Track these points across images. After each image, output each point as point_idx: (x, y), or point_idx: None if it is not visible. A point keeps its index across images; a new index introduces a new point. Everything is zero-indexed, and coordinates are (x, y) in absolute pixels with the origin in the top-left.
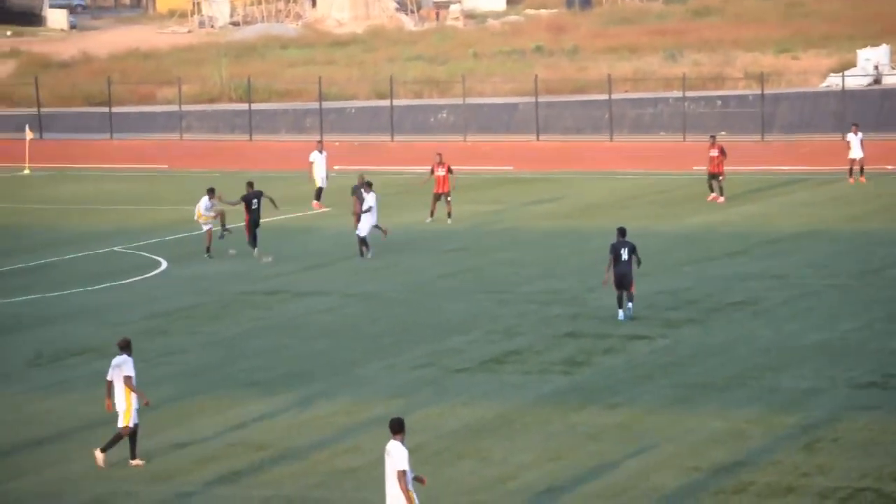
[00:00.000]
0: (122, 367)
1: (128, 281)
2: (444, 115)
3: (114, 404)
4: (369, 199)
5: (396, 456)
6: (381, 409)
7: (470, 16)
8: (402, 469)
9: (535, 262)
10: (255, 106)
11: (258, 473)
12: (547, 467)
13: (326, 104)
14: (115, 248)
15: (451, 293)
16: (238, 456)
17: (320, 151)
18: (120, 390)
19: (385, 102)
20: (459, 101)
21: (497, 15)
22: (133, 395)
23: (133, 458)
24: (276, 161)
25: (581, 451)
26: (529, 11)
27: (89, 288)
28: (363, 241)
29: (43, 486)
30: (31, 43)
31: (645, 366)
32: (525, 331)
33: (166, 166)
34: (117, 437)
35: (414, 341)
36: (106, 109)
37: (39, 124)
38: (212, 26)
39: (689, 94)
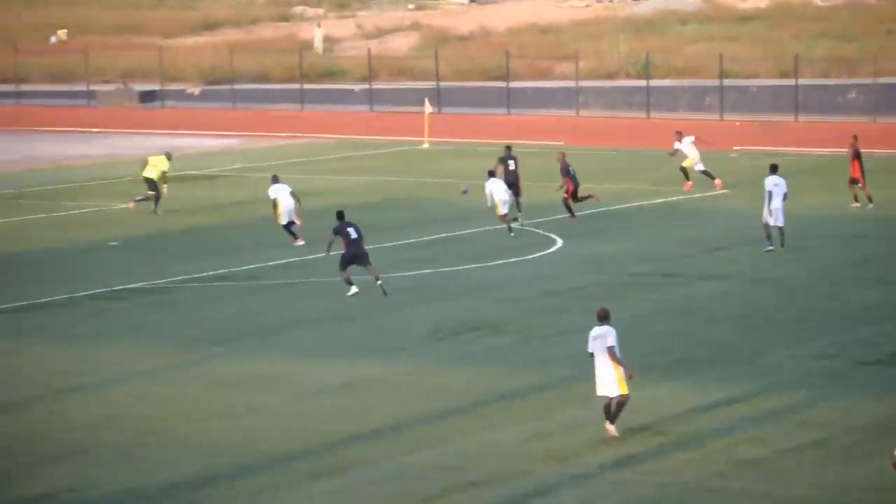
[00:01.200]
0: (604, 338)
1: (523, 258)
2: (853, 95)
3: (601, 376)
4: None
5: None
6: (783, 399)
7: None
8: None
9: None
10: (652, 83)
11: (654, 459)
12: None
13: (727, 82)
14: (513, 225)
15: (861, 282)
16: (634, 440)
17: (680, 140)
18: (603, 361)
19: (789, 81)
20: (870, 80)
21: None
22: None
23: (612, 422)
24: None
25: None
26: None
27: (486, 263)
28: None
29: (442, 460)
30: (432, 17)
31: None
32: None
33: (562, 143)
34: (620, 405)
35: (819, 330)
36: (503, 84)
37: (438, 98)
38: (610, 0)
39: None
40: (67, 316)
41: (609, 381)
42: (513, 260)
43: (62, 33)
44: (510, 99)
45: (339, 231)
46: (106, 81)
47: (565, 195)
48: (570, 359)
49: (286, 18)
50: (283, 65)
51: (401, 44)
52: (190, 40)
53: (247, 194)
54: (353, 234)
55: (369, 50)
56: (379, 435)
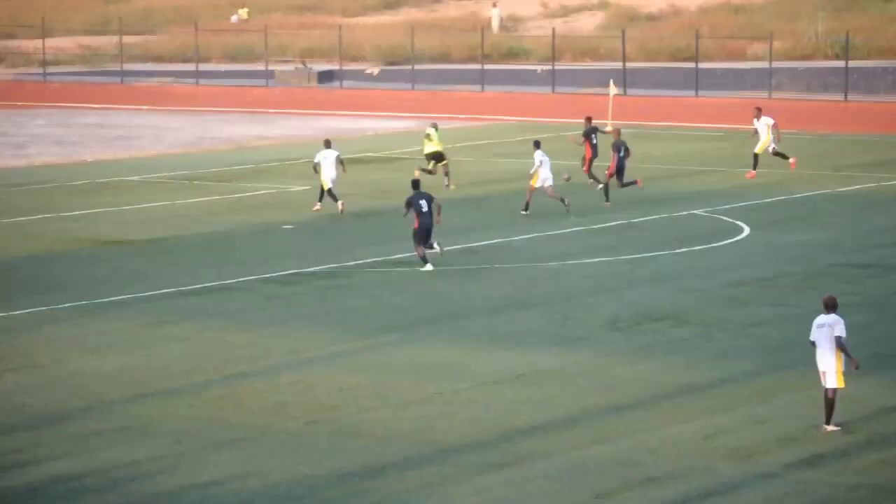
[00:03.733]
0: (832, 327)
1: (707, 246)
2: None
3: (822, 367)
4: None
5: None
6: None
7: None
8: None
9: None
10: (851, 63)
11: (844, 459)
12: None
13: None
14: (696, 212)
15: None
16: (822, 438)
17: (758, 118)
18: (824, 351)
19: None
20: None
21: None
22: (842, 357)
23: (827, 423)
24: (873, 123)
25: None
26: None
27: (669, 251)
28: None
29: (619, 454)
30: None
31: None
32: None
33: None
34: (830, 403)
35: None
36: (692, 65)
37: (623, 79)
38: None
39: None
40: (241, 300)
41: (829, 372)
42: (696, 248)
43: (243, 12)
44: (699, 80)
45: (412, 203)
46: (285, 61)
47: (605, 172)
48: (754, 352)
49: None
50: (464, 44)
51: (586, 23)
52: (371, 19)
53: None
54: (424, 207)
55: (553, 29)
56: (554, 427)
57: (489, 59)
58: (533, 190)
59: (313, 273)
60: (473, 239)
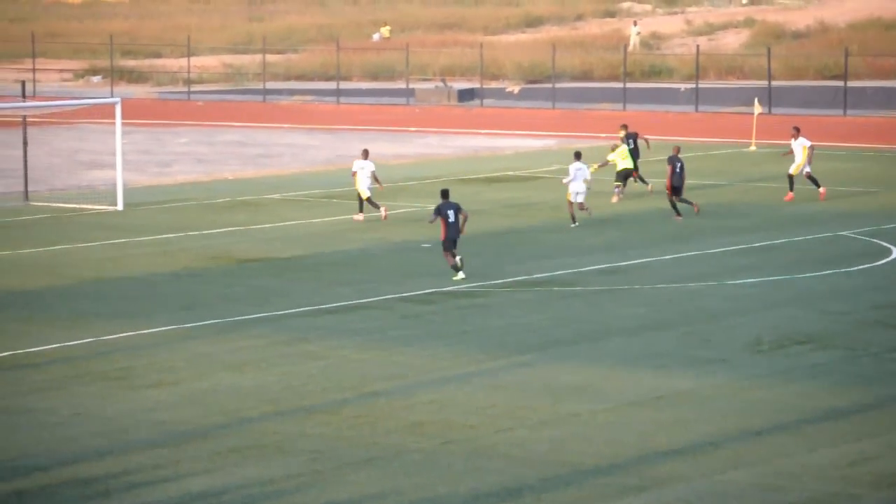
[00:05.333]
0: None
1: (852, 268)
2: None
3: None
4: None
5: None
6: None
7: None
8: None
9: None
10: None
11: None
12: None
13: None
14: (842, 233)
15: None
16: None
17: (795, 138)
18: None
19: None
20: None
21: None
22: None
23: None
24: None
25: None
26: None
27: (813, 273)
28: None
29: (760, 479)
30: (767, 12)
31: None
32: None
33: None
34: None
35: None
36: (840, 83)
37: (769, 98)
38: None
39: None
40: (378, 319)
41: None
42: (842, 270)
43: (385, 30)
44: (847, 99)
45: (440, 212)
46: (425, 79)
47: (667, 191)
48: None
49: (612, 14)
50: (605, 62)
51: (731, 40)
52: (512, 37)
53: (562, 197)
54: (451, 217)
55: (697, 47)
56: (693, 451)
57: (631, 78)
58: (571, 205)
59: (451, 292)
60: (613, 259)
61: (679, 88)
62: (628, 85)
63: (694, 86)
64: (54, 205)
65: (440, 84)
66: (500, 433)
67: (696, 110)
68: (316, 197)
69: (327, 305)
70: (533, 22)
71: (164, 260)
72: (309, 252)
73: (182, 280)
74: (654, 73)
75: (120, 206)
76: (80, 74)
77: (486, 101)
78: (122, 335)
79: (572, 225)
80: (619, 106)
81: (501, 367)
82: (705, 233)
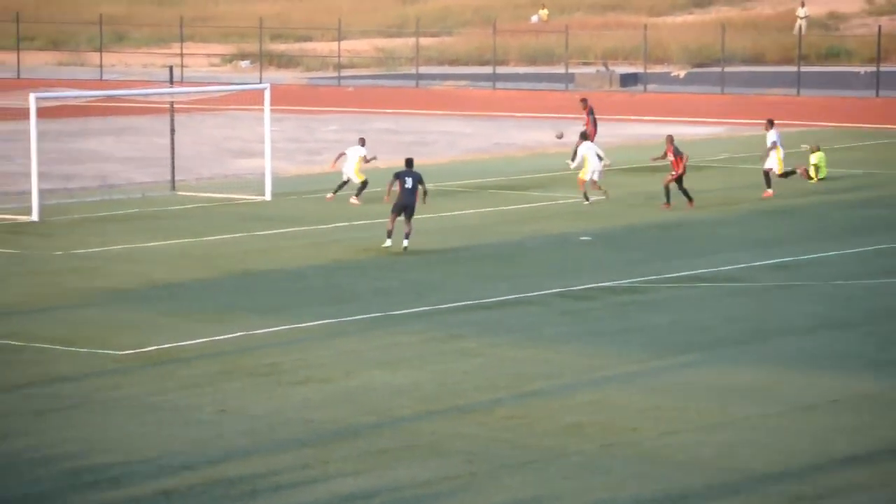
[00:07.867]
0: None
1: None
2: None
3: None
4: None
5: None
6: None
7: None
8: None
9: None
10: None
11: None
12: None
13: None
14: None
15: None
16: None
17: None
18: None
19: None
20: None
21: None
22: None
23: None
24: None
25: None
26: None
27: None
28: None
29: None
30: None
31: None
32: None
33: None
34: None
35: None
36: None
37: None
38: None
39: None
40: (535, 315)
41: None
42: None
43: (543, 13)
44: None
45: (399, 176)
46: (586, 63)
47: (671, 177)
48: None
49: None
50: (778, 44)
51: None
52: (679, 18)
53: (732, 187)
54: (409, 184)
55: (879, 27)
56: (873, 458)
57: (806, 61)
58: (583, 182)
59: (611, 287)
60: (785, 253)
61: (858, 72)
62: (803, 69)
63: (875, 69)
64: (201, 194)
65: (601, 68)
66: (664, 436)
67: (877, 95)
68: (471, 187)
69: (483, 300)
70: (701, 2)
71: (313, 252)
72: (463, 244)
73: (333, 273)
74: (832, 55)
75: (268, 196)
76: (228, 59)
77: (650, 87)
78: (270, 330)
79: (585, 202)
80: (793, 91)
81: (665, 366)
82: (891, 225)
